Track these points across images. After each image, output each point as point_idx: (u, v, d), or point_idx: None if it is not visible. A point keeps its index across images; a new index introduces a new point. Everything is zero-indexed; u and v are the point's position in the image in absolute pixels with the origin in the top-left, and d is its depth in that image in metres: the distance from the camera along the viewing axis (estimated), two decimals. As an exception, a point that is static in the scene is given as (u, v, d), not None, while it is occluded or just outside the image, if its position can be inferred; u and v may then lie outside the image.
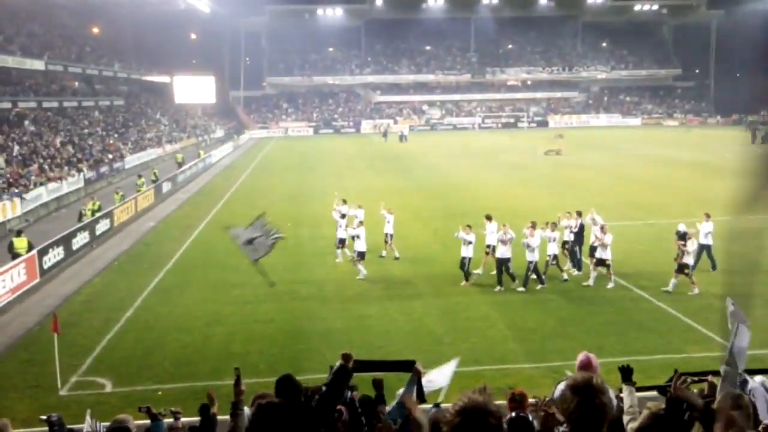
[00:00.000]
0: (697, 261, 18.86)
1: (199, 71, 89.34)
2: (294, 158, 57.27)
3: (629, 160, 48.70)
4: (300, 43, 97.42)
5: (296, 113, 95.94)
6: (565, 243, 19.68)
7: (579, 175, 41.07)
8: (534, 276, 18.29)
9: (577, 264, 19.81)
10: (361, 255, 19.77)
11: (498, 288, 18.13)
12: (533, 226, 18.20)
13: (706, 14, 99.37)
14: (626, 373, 4.99)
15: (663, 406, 4.62)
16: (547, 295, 17.78)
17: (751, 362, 7.64)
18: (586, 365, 5.59)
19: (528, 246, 17.97)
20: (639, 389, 5.65)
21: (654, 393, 5.87)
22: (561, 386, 4.99)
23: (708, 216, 19.64)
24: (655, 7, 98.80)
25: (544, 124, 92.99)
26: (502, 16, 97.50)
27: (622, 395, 4.93)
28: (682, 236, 17.79)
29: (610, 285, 18.09)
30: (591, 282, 18.41)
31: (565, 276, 19.13)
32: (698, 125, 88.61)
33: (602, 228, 18.45)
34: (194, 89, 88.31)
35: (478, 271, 19.48)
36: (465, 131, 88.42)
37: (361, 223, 20.36)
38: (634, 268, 19.74)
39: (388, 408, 6.22)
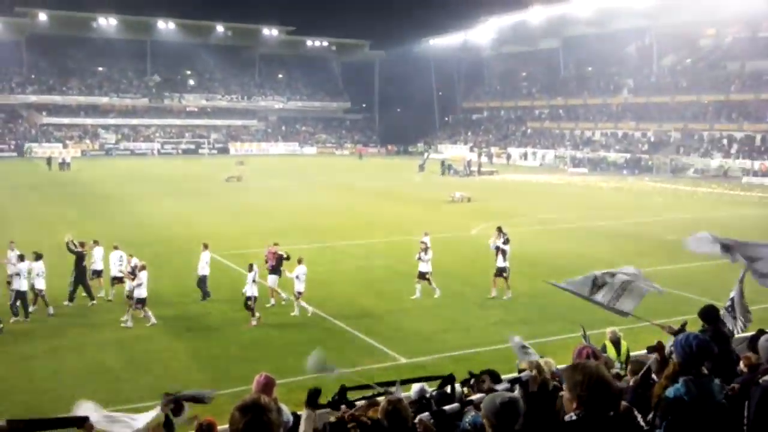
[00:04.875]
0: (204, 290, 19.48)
1: None
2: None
3: (307, 187, 51.35)
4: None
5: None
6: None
7: (260, 202, 42.12)
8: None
9: (70, 295, 18.96)
10: None
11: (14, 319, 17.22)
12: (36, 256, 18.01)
13: (369, 54, 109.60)
14: (311, 397, 4.83)
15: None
16: (229, 323, 17.81)
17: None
18: (263, 386, 5.80)
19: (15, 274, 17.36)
20: (322, 406, 5.90)
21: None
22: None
23: (206, 246, 19.97)
24: (325, 43, 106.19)
25: (225, 150, 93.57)
26: (180, 41, 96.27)
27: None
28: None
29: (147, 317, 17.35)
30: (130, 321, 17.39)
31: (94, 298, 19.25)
32: (366, 154, 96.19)
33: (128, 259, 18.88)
34: None
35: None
36: (143, 157, 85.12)
37: None
38: (313, 290, 20.49)
39: None
